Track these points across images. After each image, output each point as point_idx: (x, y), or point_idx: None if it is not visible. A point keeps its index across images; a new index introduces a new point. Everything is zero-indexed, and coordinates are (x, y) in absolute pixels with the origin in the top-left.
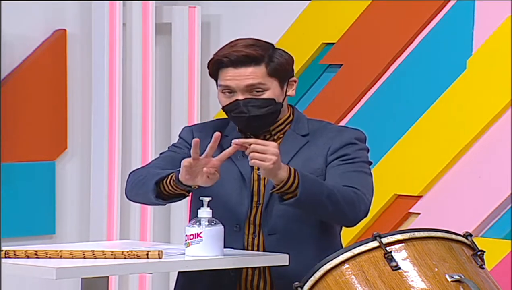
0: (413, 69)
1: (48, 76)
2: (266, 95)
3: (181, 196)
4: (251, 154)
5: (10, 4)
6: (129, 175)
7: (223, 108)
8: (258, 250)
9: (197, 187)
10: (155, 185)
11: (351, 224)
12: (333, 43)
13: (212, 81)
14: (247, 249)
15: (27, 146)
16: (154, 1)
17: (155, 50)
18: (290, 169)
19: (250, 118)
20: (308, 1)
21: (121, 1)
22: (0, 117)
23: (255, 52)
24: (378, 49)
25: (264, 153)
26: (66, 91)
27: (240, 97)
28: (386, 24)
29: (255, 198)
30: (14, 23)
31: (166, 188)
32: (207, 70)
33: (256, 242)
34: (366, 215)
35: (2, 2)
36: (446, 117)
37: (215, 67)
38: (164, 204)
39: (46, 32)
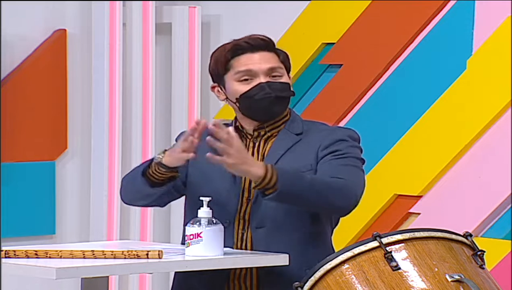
0: (413, 69)
1: (48, 76)
2: (282, 80)
3: (174, 178)
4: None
5: (10, 4)
6: (122, 181)
7: (244, 94)
8: (246, 244)
9: (182, 162)
10: (144, 177)
11: (342, 213)
12: (333, 43)
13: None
14: (236, 245)
15: (27, 146)
16: (154, 1)
17: (155, 50)
18: (266, 166)
19: (276, 98)
20: (308, 1)
21: (121, 1)
22: (0, 117)
23: (268, 39)
24: (378, 49)
25: (228, 146)
26: (66, 91)
27: (263, 80)
28: (386, 24)
29: (245, 194)
30: (14, 23)
31: (155, 176)
32: (212, 63)
33: (244, 237)
34: (356, 203)
35: (2, 2)
36: (446, 117)
37: (230, 54)
38: (164, 193)
39: (46, 32)
